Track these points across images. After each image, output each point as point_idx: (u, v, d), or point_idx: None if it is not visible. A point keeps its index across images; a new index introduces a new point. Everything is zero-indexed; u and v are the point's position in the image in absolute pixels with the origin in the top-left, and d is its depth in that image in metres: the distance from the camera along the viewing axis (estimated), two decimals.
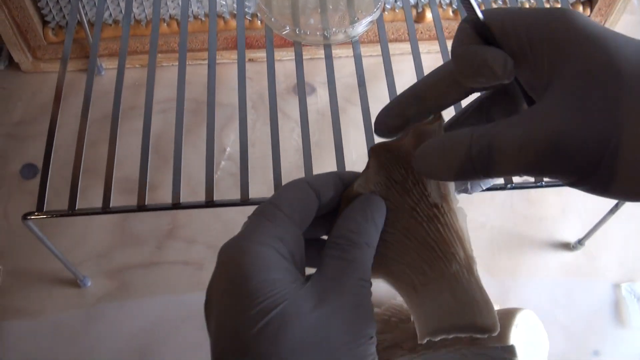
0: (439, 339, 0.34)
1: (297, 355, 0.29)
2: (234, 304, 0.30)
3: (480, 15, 0.32)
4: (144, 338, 0.66)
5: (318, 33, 0.60)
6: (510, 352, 0.57)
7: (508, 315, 0.58)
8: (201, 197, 0.53)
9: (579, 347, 0.66)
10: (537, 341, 0.59)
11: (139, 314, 0.67)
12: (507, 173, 0.31)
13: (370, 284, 0.33)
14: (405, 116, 0.36)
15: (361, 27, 0.62)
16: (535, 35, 0.31)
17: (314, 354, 0.30)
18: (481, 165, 0.31)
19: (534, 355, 0.58)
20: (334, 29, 0.60)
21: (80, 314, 0.67)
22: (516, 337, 0.56)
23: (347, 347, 0.30)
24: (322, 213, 0.36)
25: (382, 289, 0.69)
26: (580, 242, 0.71)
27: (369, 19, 0.62)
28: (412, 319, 0.64)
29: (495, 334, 0.32)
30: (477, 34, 0.33)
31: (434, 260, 0.34)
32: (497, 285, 0.69)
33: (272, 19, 0.61)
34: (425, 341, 0.34)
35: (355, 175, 0.36)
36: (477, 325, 0.32)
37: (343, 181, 0.36)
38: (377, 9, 0.62)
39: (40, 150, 0.76)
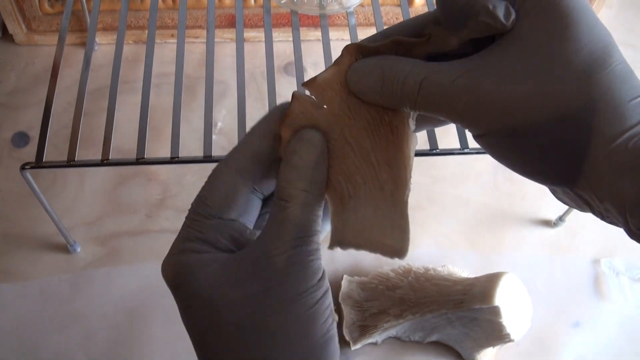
0: (346, 249, 0.33)
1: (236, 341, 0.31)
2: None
3: None
4: (133, 302, 0.66)
5: (315, 2, 0.62)
6: (495, 313, 0.59)
7: (493, 278, 0.59)
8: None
9: (560, 318, 0.68)
10: (521, 304, 0.60)
11: (128, 279, 0.68)
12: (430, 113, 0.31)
13: (310, 236, 0.32)
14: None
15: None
16: None
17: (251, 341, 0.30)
18: (408, 100, 0.31)
19: (518, 317, 0.60)
20: None
21: (69, 278, 0.68)
22: (501, 299, 0.58)
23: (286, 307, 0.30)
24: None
25: (368, 259, 0.71)
26: (561, 219, 0.73)
27: None
28: (398, 288, 0.65)
29: (402, 258, 0.33)
30: None
31: (369, 175, 0.34)
32: (480, 259, 0.71)
33: None
34: (334, 249, 0.34)
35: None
36: (386, 245, 0.33)
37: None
38: None
39: (32, 119, 0.77)
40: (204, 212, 0.33)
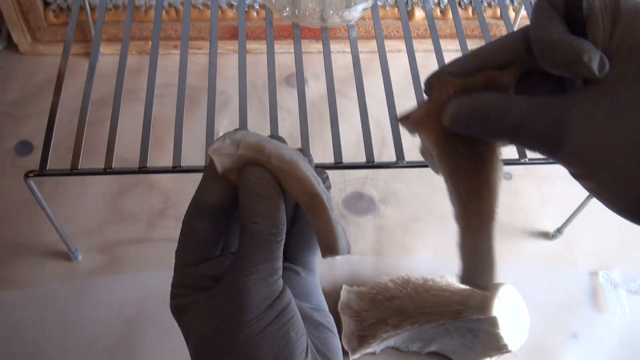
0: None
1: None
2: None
3: None
4: (134, 310, 0.67)
5: (316, 15, 0.63)
6: (492, 324, 0.59)
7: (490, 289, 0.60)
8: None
9: (558, 330, 0.69)
10: (518, 315, 0.61)
11: (128, 287, 0.68)
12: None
13: (264, 263, 0.35)
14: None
15: (356, 13, 0.65)
16: (627, 38, 0.31)
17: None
18: (512, 137, 0.33)
19: (515, 328, 0.60)
20: (331, 12, 0.63)
21: (71, 286, 0.68)
22: (498, 310, 0.59)
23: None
24: None
25: (366, 269, 0.71)
26: (559, 231, 0.73)
27: (364, 5, 0.65)
28: (396, 298, 0.66)
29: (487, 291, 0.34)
30: (559, 15, 0.32)
31: (459, 208, 0.35)
32: None
33: (273, 1, 0.63)
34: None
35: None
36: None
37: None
38: None
39: (35, 128, 0.78)
40: (182, 263, 0.37)
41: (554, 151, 0.32)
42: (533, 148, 0.33)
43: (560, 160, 0.33)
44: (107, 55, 0.84)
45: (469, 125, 0.34)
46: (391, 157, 0.58)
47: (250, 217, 0.35)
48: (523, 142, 0.33)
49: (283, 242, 0.36)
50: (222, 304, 0.35)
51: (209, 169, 0.37)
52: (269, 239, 0.35)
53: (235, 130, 0.35)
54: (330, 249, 0.34)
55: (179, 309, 0.37)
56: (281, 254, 0.36)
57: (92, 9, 0.79)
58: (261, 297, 0.34)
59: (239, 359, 0.34)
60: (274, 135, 0.40)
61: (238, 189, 0.36)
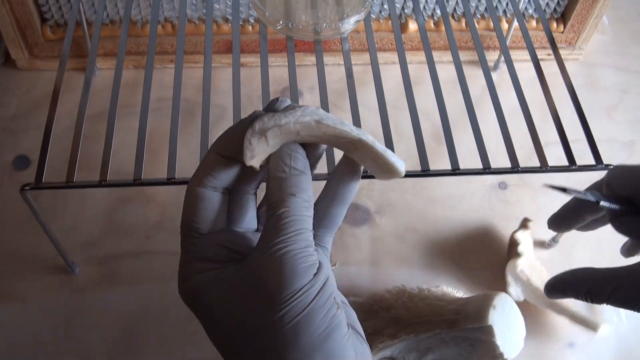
0: None
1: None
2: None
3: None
4: (131, 324, 0.67)
5: (310, 28, 0.64)
6: (488, 332, 0.59)
7: (486, 298, 0.60)
8: None
9: (555, 339, 0.69)
10: (514, 324, 0.61)
11: (125, 300, 0.68)
12: None
13: (300, 234, 0.34)
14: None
15: (349, 25, 0.65)
16: None
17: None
18: None
19: (511, 337, 0.60)
20: (324, 25, 0.64)
21: (68, 300, 0.68)
22: (494, 318, 0.59)
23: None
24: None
25: (363, 279, 0.71)
26: (554, 240, 0.74)
27: (356, 17, 0.65)
28: (392, 308, 0.66)
29: None
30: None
31: None
32: (474, 280, 0.72)
33: (266, 14, 0.64)
34: None
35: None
36: None
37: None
38: (363, 9, 0.66)
39: (33, 143, 0.78)
40: (195, 233, 0.35)
41: None
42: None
43: None
44: (104, 69, 0.84)
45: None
46: None
47: (290, 190, 0.34)
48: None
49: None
50: (258, 277, 0.33)
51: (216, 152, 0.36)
52: (306, 212, 0.34)
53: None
54: (392, 173, 0.39)
55: (194, 289, 0.34)
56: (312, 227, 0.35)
57: (89, 24, 0.79)
58: (306, 267, 0.33)
59: (288, 335, 0.32)
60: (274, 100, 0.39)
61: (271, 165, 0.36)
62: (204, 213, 0.35)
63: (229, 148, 0.36)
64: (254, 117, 0.35)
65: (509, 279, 0.69)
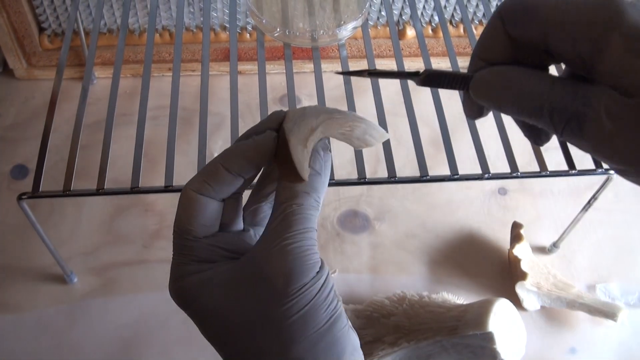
0: None
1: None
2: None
3: None
4: (129, 332, 0.67)
5: (307, 35, 0.64)
6: (488, 339, 0.59)
7: (486, 304, 0.60)
8: None
9: (556, 345, 0.68)
10: (515, 330, 0.61)
11: (124, 309, 0.68)
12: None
13: (305, 232, 0.34)
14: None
15: (347, 32, 0.65)
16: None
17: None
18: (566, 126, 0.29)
19: (512, 343, 0.60)
20: (322, 32, 0.64)
21: (66, 309, 0.68)
22: (495, 325, 0.58)
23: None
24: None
25: (363, 287, 0.71)
26: (555, 245, 0.73)
27: (354, 24, 0.65)
28: (392, 315, 0.65)
29: None
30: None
31: None
32: (474, 286, 0.71)
33: (264, 21, 0.64)
34: None
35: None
36: None
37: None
38: (361, 16, 0.66)
39: (30, 152, 0.78)
40: (191, 236, 0.35)
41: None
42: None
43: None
44: (102, 78, 0.84)
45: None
46: (385, 174, 0.58)
47: (304, 188, 0.35)
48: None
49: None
50: (263, 270, 0.33)
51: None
52: (314, 211, 0.35)
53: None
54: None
55: (190, 289, 0.34)
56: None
57: (87, 33, 0.80)
58: (312, 264, 0.33)
59: (294, 327, 0.32)
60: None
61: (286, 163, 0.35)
62: (201, 218, 0.36)
63: (244, 169, 0.36)
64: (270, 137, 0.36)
65: (521, 296, 0.69)
